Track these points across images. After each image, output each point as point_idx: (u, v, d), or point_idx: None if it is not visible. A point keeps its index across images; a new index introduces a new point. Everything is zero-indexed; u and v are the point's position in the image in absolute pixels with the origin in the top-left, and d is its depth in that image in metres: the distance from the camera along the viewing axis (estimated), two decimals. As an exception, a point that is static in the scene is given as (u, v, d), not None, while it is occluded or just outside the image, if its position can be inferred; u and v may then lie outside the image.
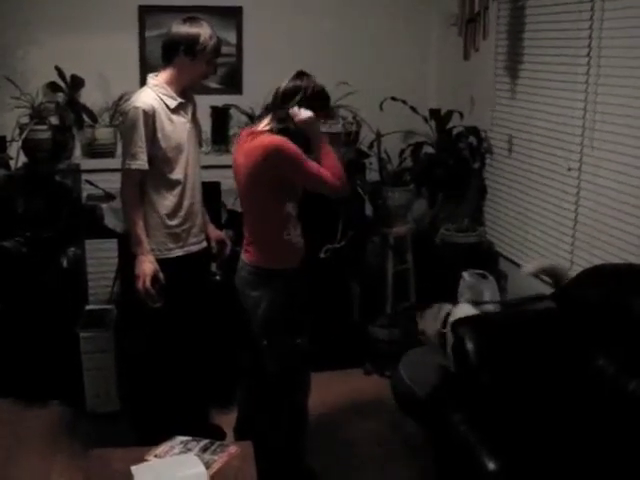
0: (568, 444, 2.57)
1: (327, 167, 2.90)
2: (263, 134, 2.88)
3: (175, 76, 3.09)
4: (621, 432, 2.52)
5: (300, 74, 2.95)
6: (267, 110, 2.97)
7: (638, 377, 2.57)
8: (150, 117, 3.00)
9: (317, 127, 2.96)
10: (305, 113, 2.88)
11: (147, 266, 3.06)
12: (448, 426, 2.78)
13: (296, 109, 2.88)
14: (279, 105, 2.92)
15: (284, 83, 2.93)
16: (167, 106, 3.06)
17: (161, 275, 3.09)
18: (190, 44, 3.02)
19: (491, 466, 2.48)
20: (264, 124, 2.92)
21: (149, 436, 2.87)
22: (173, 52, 3.05)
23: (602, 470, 2.44)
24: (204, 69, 3.12)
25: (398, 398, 3.80)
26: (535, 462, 2.49)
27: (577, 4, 3.46)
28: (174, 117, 3.09)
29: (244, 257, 3.06)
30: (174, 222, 3.15)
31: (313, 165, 2.88)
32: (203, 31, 3.04)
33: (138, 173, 3.04)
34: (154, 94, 3.05)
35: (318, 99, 2.95)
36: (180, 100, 3.10)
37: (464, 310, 3.42)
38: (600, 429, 2.59)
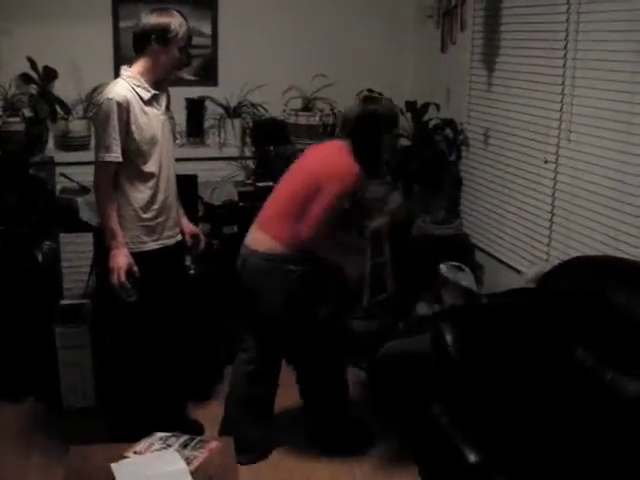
0: (549, 435, 2.59)
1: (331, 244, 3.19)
2: (350, 157, 3.07)
3: (148, 67, 3.05)
4: (600, 422, 2.55)
5: (368, 99, 3.21)
6: (342, 134, 3.17)
7: (616, 368, 2.59)
8: (124, 109, 2.96)
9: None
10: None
11: (121, 259, 3.03)
12: (428, 418, 2.79)
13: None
14: (355, 131, 3.09)
15: (353, 108, 3.13)
16: (141, 98, 3.02)
17: (135, 269, 3.05)
18: (161, 32, 2.99)
19: (472, 458, 2.50)
20: (345, 146, 3.09)
21: (126, 431, 2.85)
22: (145, 42, 3.02)
23: (582, 460, 2.46)
24: (177, 57, 3.08)
25: (376, 390, 3.81)
26: (516, 454, 2.51)
27: (554, -3, 3.47)
28: (148, 109, 3.05)
29: (268, 248, 3.12)
30: (148, 215, 3.11)
31: (333, 211, 3.05)
32: (173, 19, 3.02)
33: (112, 166, 3.00)
34: (128, 85, 3.01)
35: (392, 122, 3.18)
36: (154, 92, 3.07)
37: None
38: (580, 420, 2.61)
